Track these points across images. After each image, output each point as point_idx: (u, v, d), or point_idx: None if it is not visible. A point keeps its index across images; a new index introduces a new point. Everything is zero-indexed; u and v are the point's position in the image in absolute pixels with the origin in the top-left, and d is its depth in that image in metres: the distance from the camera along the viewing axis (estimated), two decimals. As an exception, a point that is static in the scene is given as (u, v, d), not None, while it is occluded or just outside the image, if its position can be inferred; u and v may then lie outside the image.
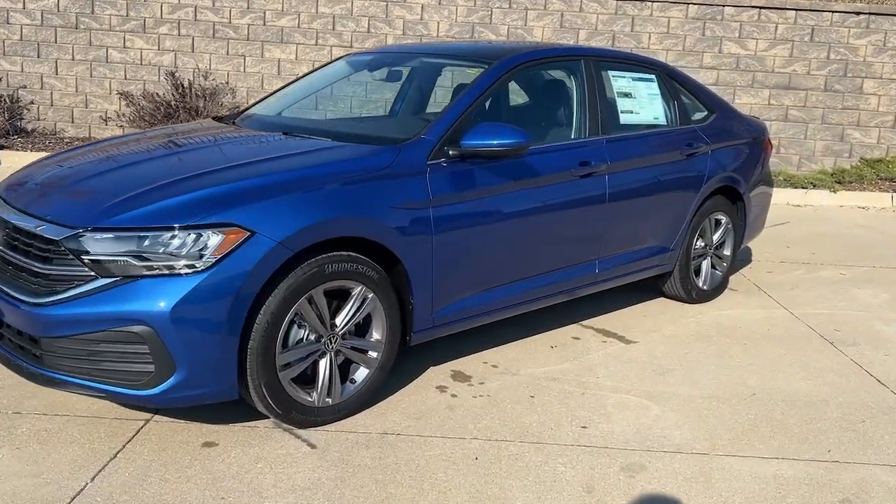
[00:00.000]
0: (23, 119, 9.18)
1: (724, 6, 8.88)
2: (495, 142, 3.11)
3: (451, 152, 3.14)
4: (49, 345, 2.51)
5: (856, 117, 9.07)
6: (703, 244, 4.60)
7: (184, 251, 2.47)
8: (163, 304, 2.41)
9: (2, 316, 2.65)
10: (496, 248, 3.29)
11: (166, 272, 2.45)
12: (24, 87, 9.20)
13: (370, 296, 2.89)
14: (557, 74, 3.96)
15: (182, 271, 2.45)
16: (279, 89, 4.22)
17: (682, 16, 8.93)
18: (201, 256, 2.47)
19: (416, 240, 2.96)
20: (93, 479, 2.47)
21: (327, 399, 2.85)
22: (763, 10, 8.89)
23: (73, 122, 9.39)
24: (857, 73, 8.99)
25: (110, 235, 2.48)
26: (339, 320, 2.85)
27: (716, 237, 4.67)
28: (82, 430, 2.75)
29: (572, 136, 3.79)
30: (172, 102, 8.85)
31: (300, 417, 2.78)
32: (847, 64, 8.97)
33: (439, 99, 4.10)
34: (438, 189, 3.05)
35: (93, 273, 2.46)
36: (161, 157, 3.05)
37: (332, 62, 4.26)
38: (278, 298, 2.61)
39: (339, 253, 2.75)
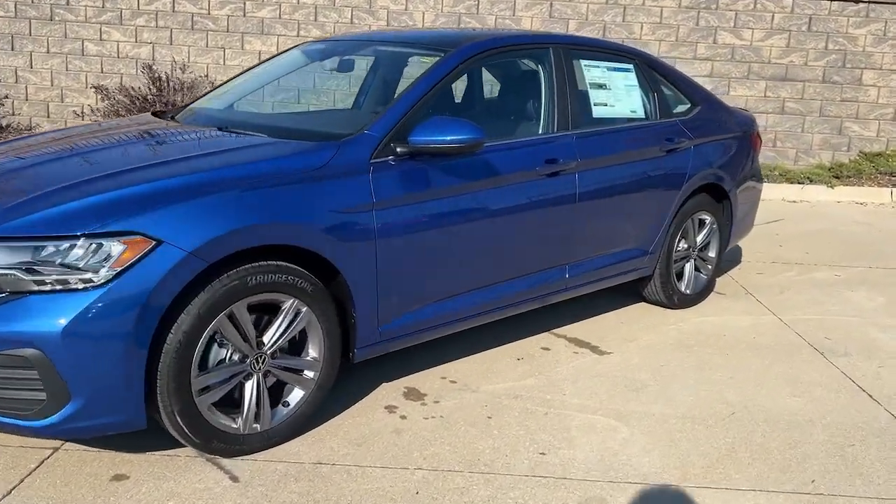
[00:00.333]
0: (-4, 114, 8.92)
1: (718, -6, 8.57)
2: (447, 138, 2.82)
3: (398, 150, 2.85)
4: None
5: (855, 110, 8.76)
6: (685, 246, 4.30)
7: (80, 263, 2.19)
8: (53, 325, 2.13)
9: None
10: (451, 255, 3.00)
11: (59, 287, 2.17)
12: (-1, 80, 8.94)
13: (304, 310, 2.60)
14: (523, 64, 3.66)
15: (77, 286, 2.17)
16: (227, 81, 3.93)
17: (675, 5, 8.62)
18: (99, 269, 2.18)
19: (356, 247, 2.67)
20: (-19, 519, 2.21)
21: (255, 425, 2.57)
22: (759, -1, 8.57)
23: (48, 116, 9.12)
24: (856, 64, 8.67)
25: (-1, 245, 2.21)
26: (267, 338, 2.57)
27: (699, 238, 4.37)
28: (-18, 461, 2.49)
29: (539, 132, 3.49)
30: (149, 96, 8.57)
31: (222, 447, 2.50)
32: (846, 54, 8.65)
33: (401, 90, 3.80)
34: (384, 190, 2.76)
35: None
36: (75, 156, 2.76)
37: (285, 51, 3.97)
38: (192, 315, 2.32)
39: (264, 263, 2.47)
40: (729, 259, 5.37)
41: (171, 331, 2.31)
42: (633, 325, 4.06)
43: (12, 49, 8.89)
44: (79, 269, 2.18)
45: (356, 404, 3.01)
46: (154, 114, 3.59)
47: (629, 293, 4.39)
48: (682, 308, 4.34)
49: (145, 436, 2.57)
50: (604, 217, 3.66)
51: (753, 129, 4.71)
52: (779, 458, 2.76)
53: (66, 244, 2.20)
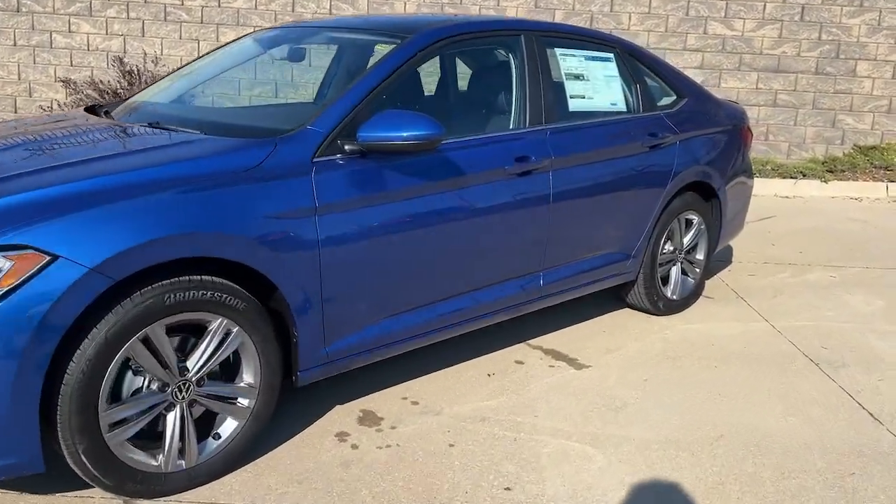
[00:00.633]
0: (-40, 110, 8.57)
1: (708, -18, 8.27)
2: (400, 134, 2.51)
3: (347, 147, 2.55)
4: None
5: (848, 102, 8.48)
6: (671, 248, 4.01)
7: (-39, 283, 1.88)
8: (-75, 355, 1.83)
9: None
10: (408, 265, 2.70)
11: (-65, 311, 1.86)
12: (-36, 75, 8.59)
13: (235, 330, 2.30)
14: (491, 53, 3.35)
15: (-45, 310, 1.86)
16: (174, 72, 3.61)
17: (664, -6, 8.32)
18: (-19, 290, 1.88)
19: (296, 258, 2.37)
20: None
21: (179, 462, 2.26)
22: (750, -13, 8.28)
23: (16, 112, 8.78)
24: (850, 55, 8.39)
25: None
26: (192, 363, 2.26)
27: (686, 240, 4.08)
28: None
29: (510, 127, 3.18)
30: (119, 90, 8.23)
31: (140, 488, 2.20)
32: (839, 45, 8.37)
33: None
34: (329, 193, 2.46)
35: None
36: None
37: (238, 39, 3.65)
38: (98, 341, 2.02)
39: (185, 279, 2.16)
40: (718, 259, 5.09)
41: (74, 359, 2.00)
42: (615, 334, 3.77)
43: (-23, 42, 8.56)
44: (-42, 289, 1.87)
45: (304, 431, 2.71)
46: (88, 109, 3.26)
47: (612, 298, 4.10)
48: (667, 314, 4.05)
49: (55, 473, 2.27)
50: (581, 219, 3.36)
51: (744, 123, 4.42)
52: (772, 491, 2.47)
53: (-57, 260, 1.89)
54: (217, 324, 2.26)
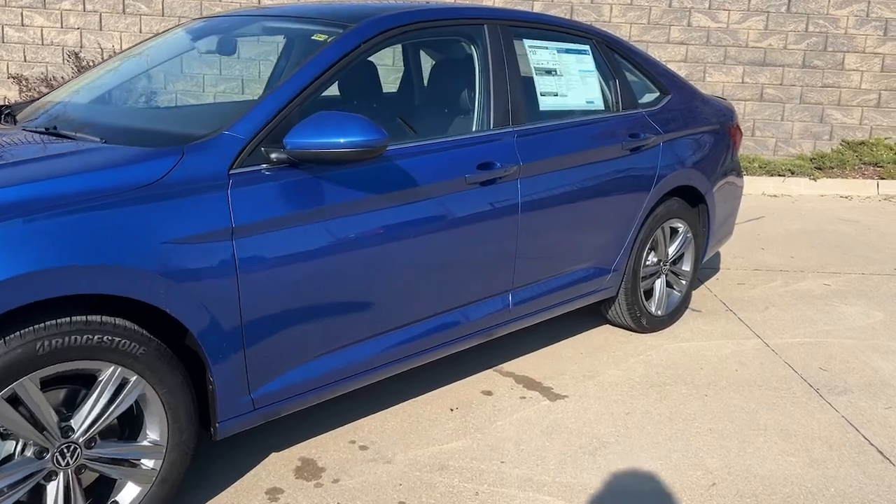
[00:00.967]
0: None
1: (690, -28, 7.94)
2: (336, 140, 2.12)
3: (273, 156, 2.16)
4: None
5: (836, 96, 8.19)
6: (655, 260, 3.66)
7: None
8: None
9: None
10: (351, 292, 2.32)
11: None
12: None
13: (132, 379, 1.91)
14: (450, 45, 2.96)
15: None
16: (94, 67, 3.19)
17: (645, -16, 7.97)
18: None
19: (207, 290, 1.98)
20: None
21: (64, 540, 1.88)
22: (734, -23, 7.96)
23: (-37, 111, 8.27)
24: (837, 48, 8.09)
25: None
26: (78, 421, 1.87)
27: (672, 250, 3.73)
28: None
29: (472, 129, 2.81)
30: (73, 88, 7.79)
31: (11, 577, 1.81)
32: (827, 37, 8.07)
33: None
34: (250, 211, 2.07)
35: None
36: None
37: (169, 30, 3.24)
38: (-54, 403, 1.63)
39: (63, 321, 1.77)
40: (705, 266, 4.75)
41: (-85, 427, 1.61)
42: (595, 356, 3.41)
43: (-77, 37, 8.07)
44: None
45: (230, 487, 2.32)
46: (-9, 110, 2.84)
47: (592, 313, 3.74)
48: (652, 332, 3.70)
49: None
50: (554, 232, 2.99)
51: (733, 121, 4.07)
52: (774, 555, 2.13)
53: None
54: (109, 373, 1.87)
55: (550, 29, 3.18)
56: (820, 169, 7.75)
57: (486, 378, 3.16)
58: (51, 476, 1.84)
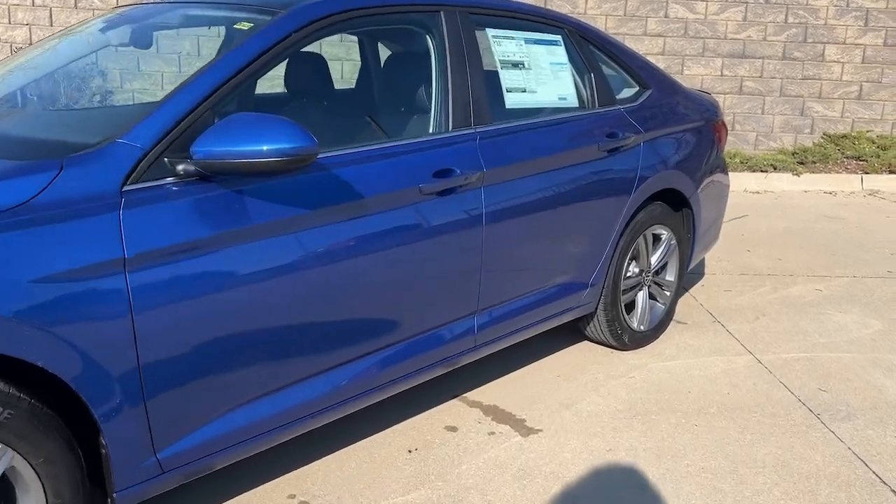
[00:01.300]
0: None
1: (667, -39, 7.64)
2: (256, 147, 1.76)
3: (180, 168, 1.79)
4: None
5: (817, 88, 7.95)
6: (636, 270, 3.33)
7: None
8: None
9: None
10: (279, 329, 1.95)
11: None
12: None
13: (-4, 451, 1.54)
14: (401, 35, 2.60)
15: None
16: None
17: (620, -26, 7.66)
18: None
19: (92, 335, 1.60)
20: None
21: None
22: (712, -35, 7.67)
23: None
24: (817, 39, 7.84)
25: None
26: (-78, 509, 1.50)
27: (654, 259, 3.40)
28: None
29: (428, 131, 2.45)
30: (18, 88, 7.32)
31: None
32: (807, 28, 7.82)
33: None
34: (148, 236, 1.69)
35: None
36: None
37: (84, 21, 2.85)
38: None
39: None
40: (690, 272, 4.44)
41: None
42: (573, 378, 3.08)
43: None
44: None
45: (140, 563, 1.95)
46: None
47: (569, 328, 3.41)
48: (634, 349, 3.37)
49: None
50: (524, 246, 2.65)
51: (717, 117, 3.75)
52: None
53: None
54: (-38, 447, 1.49)
55: (517, 17, 2.82)
56: (802, 164, 7.50)
57: (449, 410, 2.81)
58: None
